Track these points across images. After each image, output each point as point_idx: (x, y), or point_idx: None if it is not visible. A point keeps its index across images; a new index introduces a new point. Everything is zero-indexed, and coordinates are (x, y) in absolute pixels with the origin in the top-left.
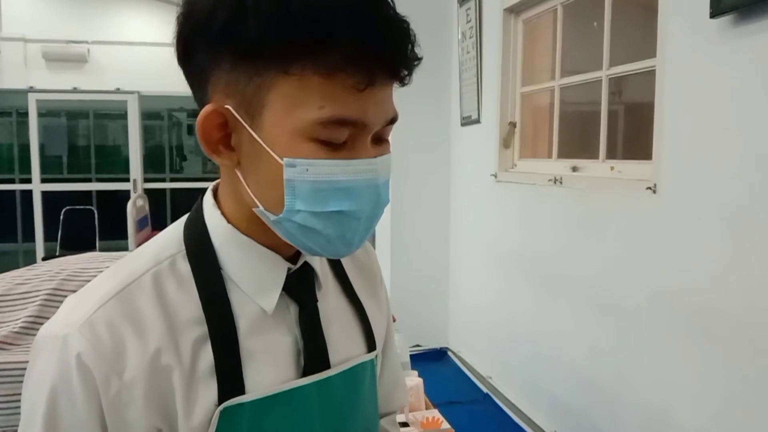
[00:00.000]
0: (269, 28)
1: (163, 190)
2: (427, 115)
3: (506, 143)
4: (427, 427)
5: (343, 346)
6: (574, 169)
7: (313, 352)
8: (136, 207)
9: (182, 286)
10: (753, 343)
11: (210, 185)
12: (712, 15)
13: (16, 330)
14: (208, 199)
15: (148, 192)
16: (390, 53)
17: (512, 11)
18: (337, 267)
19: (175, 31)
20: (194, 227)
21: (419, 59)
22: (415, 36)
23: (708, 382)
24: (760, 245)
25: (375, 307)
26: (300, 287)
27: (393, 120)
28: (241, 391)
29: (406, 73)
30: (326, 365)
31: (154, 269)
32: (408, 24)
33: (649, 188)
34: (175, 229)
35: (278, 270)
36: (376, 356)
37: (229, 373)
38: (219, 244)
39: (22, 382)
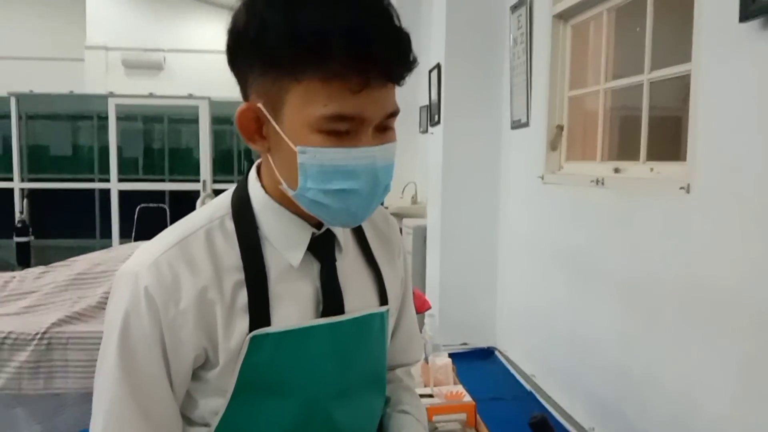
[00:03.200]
0: (283, 44)
1: None
2: (479, 118)
3: (553, 146)
4: (450, 399)
5: (358, 298)
6: (616, 170)
7: (330, 300)
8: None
9: (228, 240)
10: None
11: (255, 162)
12: (741, 19)
13: (93, 304)
14: (252, 174)
15: (216, 192)
16: (383, 60)
17: (561, 17)
18: (359, 235)
19: (225, 41)
20: (240, 195)
21: (414, 63)
22: (410, 45)
23: (736, 373)
24: None
25: (391, 271)
26: (322, 248)
27: (393, 114)
28: (268, 324)
29: (399, 76)
30: (341, 311)
31: (207, 226)
32: (404, 34)
33: (683, 188)
34: (226, 196)
35: (304, 233)
36: (387, 311)
37: (259, 310)
38: (258, 209)
39: (97, 348)
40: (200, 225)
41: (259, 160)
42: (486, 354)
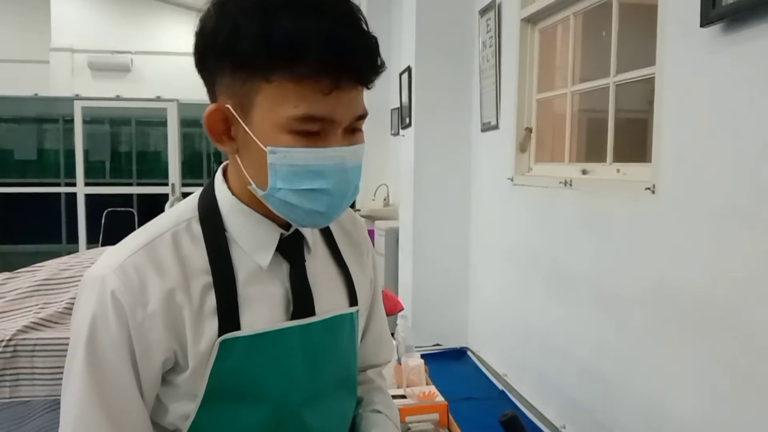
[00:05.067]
0: (255, 47)
1: None
2: (449, 121)
3: (522, 148)
4: (422, 399)
5: (327, 299)
6: (584, 172)
7: (300, 301)
8: None
9: (195, 243)
10: (746, 336)
11: (221, 165)
12: (703, 24)
13: (60, 310)
14: (218, 176)
15: (185, 195)
16: (351, 64)
17: (529, 21)
18: (327, 236)
19: (193, 44)
20: (206, 197)
21: (382, 67)
22: (377, 50)
23: (703, 374)
24: (750, 242)
25: (360, 272)
26: (291, 249)
27: (362, 116)
28: (237, 327)
29: (368, 79)
30: (311, 313)
31: (174, 229)
32: (373, 40)
33: (648, 188)
34: (193, 199)
35: (272, 234)
36: (357, 312)
37: (228, 313)
38: (225, 212)
39: (65, 356)
40: (166, 228)
41: (225, 163)
42: (458, 354)
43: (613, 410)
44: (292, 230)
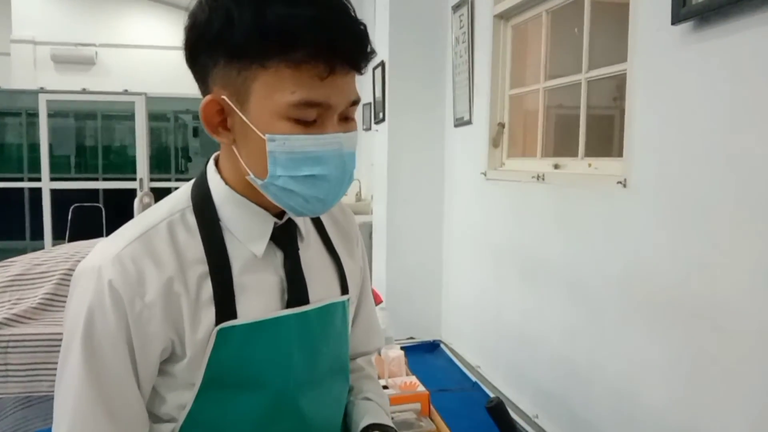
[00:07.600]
0: (250, 35)
1: (169, 189)
2: (423, 116)
3: (495, 143)
4: (404, 389)
5: (320, 287)
6: (556, 166)
7: (294, 289)
8: (142, 204)
9: (190, 233)
10: (715, 324)
11: (213, 155)
12: (674, 22)
13: (34, 306)
14: (210, 167)
15: (154, 190)
16: (345, 50)
17: (502, 17)
18: (319, 226)
19: (183, 39)
20: (200, 188)
21: (372, 54)
22: (368, 36)
23: (673, 361)
24: (718, 232)
25: (350, 261)
26: (284, 238)
27: (355, 102)
28: (234, 316)
29: (361, 65)
30: (305, 301)
31: (168, 219)
32: (364, 26)
33: (620, 182)
34: (185, 189)
35: (266, 223)
36: (349, 300)
37: (224, 302)
38: (219, 202)
39: (39, 352)
40: (161, 218)
41: (216, 153)
42: (432, 347)
43: (586, 399)
44: (285, 219)
